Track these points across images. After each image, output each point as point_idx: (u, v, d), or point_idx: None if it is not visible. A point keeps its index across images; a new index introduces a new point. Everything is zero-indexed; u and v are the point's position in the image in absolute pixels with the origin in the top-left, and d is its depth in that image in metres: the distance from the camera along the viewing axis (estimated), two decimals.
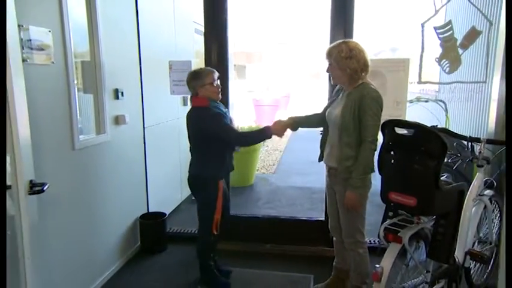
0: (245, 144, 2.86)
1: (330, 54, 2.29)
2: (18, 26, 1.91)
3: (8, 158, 1.57)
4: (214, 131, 2.50)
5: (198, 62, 3.78)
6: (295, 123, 2.59)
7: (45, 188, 1.64)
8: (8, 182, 1.62)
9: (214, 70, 2.62)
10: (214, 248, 2.80)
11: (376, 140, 2.22)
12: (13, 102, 1.57)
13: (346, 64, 2.22)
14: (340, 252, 2.62)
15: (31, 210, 1.64)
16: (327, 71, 2.38)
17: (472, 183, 2.38)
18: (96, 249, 2.85)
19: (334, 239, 2.66)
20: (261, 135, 2.64)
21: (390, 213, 2.15)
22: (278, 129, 2.56)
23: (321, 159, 2.56)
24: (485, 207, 2.44)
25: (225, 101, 3.38)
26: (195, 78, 2.53)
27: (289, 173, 6.23)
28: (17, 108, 1.58)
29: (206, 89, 2.51)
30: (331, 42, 3.05)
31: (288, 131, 2.69)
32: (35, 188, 1.62)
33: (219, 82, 2.59)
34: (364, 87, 2.25)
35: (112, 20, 2.96)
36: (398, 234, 1.94)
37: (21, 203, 1.58)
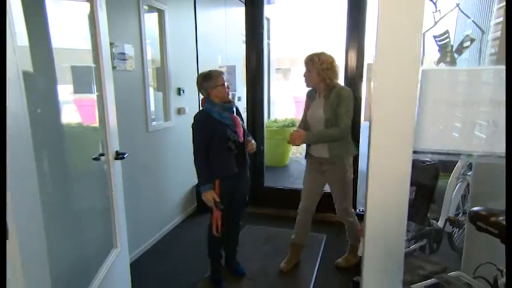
0: (195, 163, 2.19)
1: (312, 62, 2.25)
2: (110, 44, 2.25)
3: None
4: (192, 133, 2.21)
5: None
6: None
7: (125, 156, 1.94)
8: (101, 151, 1.98)
9: (223, 71, 2.31)
10: (219, 246, 2.44)
11: (347, 129, 2.23)
12: (106, 98, 1.86)
13: (326, 74, 2.23)
14: (304, 229, 2.61)
15: (117, 170, 1.97)
16: (304, 75, 2.33)
17: (457, 165, 2.41)
18: (164, 205, 3.19)
19: (298, 218, 2.61)
20: (201, 177, 2.17)
21: None
22: (207, 198, 2.15)
23: (306, 156, 2.51)
24: (468, 185, 2.45)
25: (261, 99, 3.57)
26: (206, 80, 2.22)
27: None
28: (108, 102, 1.88)
29: (218, 90, 2.20)
30: (346, 51, 3.16)
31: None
32: (119, 156, 1.93)
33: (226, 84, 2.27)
34: (339, 88, 2.26)
35: (177, 35, 3.23)
36: None
37: (110, 165, 1.91)
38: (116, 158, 1.93)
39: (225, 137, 2.17)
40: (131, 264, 2.28)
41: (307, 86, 2.39)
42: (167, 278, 2.52)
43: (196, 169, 2.19)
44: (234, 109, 2.29)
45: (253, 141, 2.37)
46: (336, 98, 2.23)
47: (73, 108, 2.16)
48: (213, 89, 2.20)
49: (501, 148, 0.61)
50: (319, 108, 2.30)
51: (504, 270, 1.19)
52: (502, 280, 1.19)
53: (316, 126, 2.33)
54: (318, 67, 2.23)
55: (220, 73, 2.24)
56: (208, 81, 2.21)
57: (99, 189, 2.06)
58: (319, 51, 2.31)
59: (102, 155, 1.94)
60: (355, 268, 2.52)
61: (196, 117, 2.21)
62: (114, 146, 1.94)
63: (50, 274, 1.25)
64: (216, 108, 2.19)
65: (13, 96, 1.04)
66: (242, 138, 2.27)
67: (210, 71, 2.27)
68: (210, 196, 2.15)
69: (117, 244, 2.04)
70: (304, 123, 2.45)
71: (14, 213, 1.00)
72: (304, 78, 2.34)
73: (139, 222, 2.77)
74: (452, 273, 1.27)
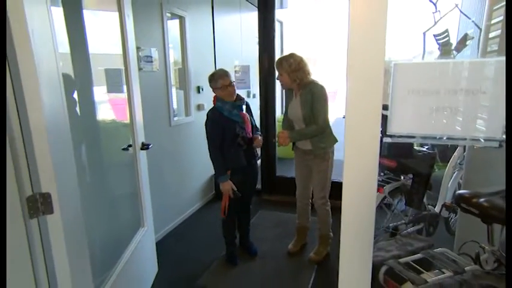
0: (210, 157, 2.25)
1: (281, 66, 2.22)
2: (138, 48, 2.36)
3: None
4: (206, 130, 2.25)
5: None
6: None
7: (150, 147, 2.07)
8: (130, 143, 2.10)
9: (228, 73, 2.23)
10: (233, 228, 2.51)
11: (325, 124, 2.23)
12: (132, 95, 1.98)
13: (296, 75, 2.20)
14: (304, 213, 2.63)
15: (142, 159, 2.09)
16: (277, 78, 2.31)
17: (453, 155, 2.39)
18: (185, 192, 3.31)
19: (297, 204, 2.61)
20: (217, 170, 2.25)
21: (382, 174, 2.30)
22: (226, 188, 2.26)
23: (293, 148, 2.53)
24: None
25: (272, 97, 3.60)
26: (210, 81, 2.23)
27: None
28: (134, 98, 2.00)
29: (222, 91, 2.19)
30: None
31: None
32: (144, 146, 2.06)
33: (232, 84, 2.23)
34: (312, 85, 2.22)
35: (196, 38, 3.31)
36: (384, 187, 2.10)
37: (137, 155, 2.04)
38: (142, 148, 2.05)
39: (234, 133, 2.21)
40: (156, 244, 2.41)
41: (283, 87, 2.39)
42: (188, 256, 2.65)
43: (212, 162, 2.26)
44: (244, 106, 2.30)
45: (260, 137, 2.38)
46: (309, 95, 2.21)
47: (108, 107, 2.31)
48: (218, 90, 2.20)
49: (461, 132, 0.66)
50: (297, 106, 2.30)
51: (486, 247, 1.22)
52: (484, 256, 1.23)
53: (297, 122, 2.35)
54: (287, 69, 2.20)
55: (223, 75, 2.19)
56: (211, 82, 2.22)
57: (128, 176, 2.19)
58: (287, 53, 2.28)
59: (130, 146, 2.07)
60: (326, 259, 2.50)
61: (208, 115, 2.25)
62: (140, 137, 2.07)
63: (88, 248, 1.37)
64: (226, 106, 2.20)
65: (54, 96, 1.15)
66: (250, 134, 2.30)
67: (214, 72, 2.25)
68: (228, 186, 2.25)
69: (144, 224, 2.18)
70: (288, 121, 2.44)
71: (57, 196, 1.10)
72: (279, 81, 2.34)
73: (164, 206, 2.90)
74: (437, 249, 1.31)
